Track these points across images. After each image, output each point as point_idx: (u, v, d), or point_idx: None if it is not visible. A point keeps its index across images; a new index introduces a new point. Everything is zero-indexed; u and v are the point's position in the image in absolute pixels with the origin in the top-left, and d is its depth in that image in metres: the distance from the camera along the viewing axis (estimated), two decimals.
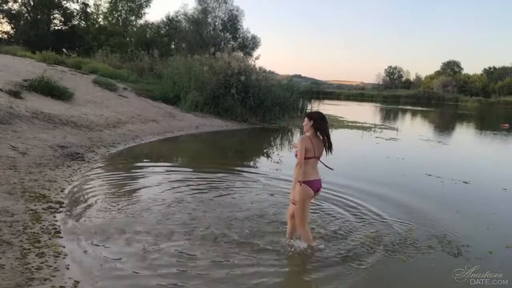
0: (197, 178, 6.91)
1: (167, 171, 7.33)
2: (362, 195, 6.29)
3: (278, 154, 10.03)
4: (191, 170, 7.70)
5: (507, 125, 23.37)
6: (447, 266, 3.84)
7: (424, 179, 7.87)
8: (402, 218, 5.32)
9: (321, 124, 3.97)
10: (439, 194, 6.82)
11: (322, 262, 3.90)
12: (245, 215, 5.03)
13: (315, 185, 3.95)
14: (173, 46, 32.43)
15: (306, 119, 4.04)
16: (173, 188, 6.10)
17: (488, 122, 30.42)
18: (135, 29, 34.43)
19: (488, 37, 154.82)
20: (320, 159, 4.03)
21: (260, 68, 18.13)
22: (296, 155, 3.93)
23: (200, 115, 15.15)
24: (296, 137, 13.81)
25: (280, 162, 8.87)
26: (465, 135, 20.25)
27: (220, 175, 7.18)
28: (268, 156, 10.07)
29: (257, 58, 20.00)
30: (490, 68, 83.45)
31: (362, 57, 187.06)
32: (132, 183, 6.33)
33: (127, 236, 4.20)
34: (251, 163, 9.12)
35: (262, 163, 9.23)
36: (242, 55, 23.38)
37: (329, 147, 3.96)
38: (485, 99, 69.16)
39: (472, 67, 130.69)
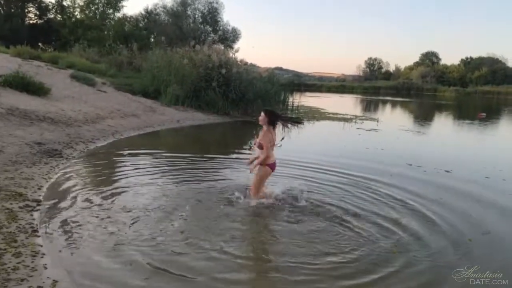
0: (179, 170, 6.83)
1: (148, 166, 7.22)
2: (340, 188, 6.33)
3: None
4: (172, 164, 7.60)
5: (484, 114, 23.92)
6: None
7: (406, 168, 7.95)
8: (384, 210, 5.36)
9: (275, 119, 5.22)
10: (421, 183, 6.84)
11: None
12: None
13: (272, 166, 5.20)
14: (152, 40, 32.02)
15: (262, 114, 5.17)
16: (155, 183, 6.01)
17: (465, 112, 31.03)
18: (113, 23, 33.80)
19: (465, 28, 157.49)
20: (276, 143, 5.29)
21: (241, 61, 18.01)
22: (259, 146, 5.10)
23: (181, 109, 15.00)
24: (278, 130, 13.79)
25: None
26: (444, 125, 20.63)
27: (202, 168, 7.12)
28: (250, 148, 10.07)
29: (236, 51, 19.92)
30: (467, 58, 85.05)
31: (343, 49, 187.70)
32: (112, 179, 6.21)
33: (106, 233, 4.12)
34: (234, 156, 9.06)
35: (245, 155, 9.18)
36: (222, 47, 23.21)
37: (296, 121, 5.58)
38: (463, 89, 70.54)
39: (450, 57, 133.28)
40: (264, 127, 5.18)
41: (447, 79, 79.42)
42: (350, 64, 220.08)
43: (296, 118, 5.36)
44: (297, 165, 7.48)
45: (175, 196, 5.41)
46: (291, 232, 4.44)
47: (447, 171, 7.86)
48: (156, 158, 7.95)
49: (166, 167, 7.20)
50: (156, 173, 6.65)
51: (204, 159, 8.04)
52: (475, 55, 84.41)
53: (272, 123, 5.17)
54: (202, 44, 17.92)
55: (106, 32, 32.03)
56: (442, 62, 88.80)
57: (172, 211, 4.84)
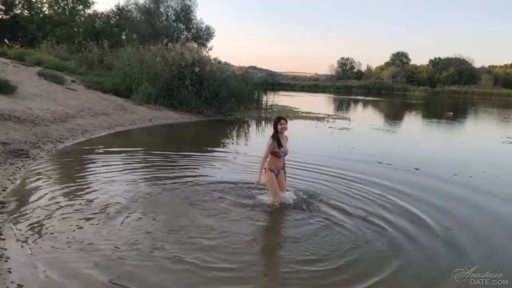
0: (151, 169, 6.75)
1: (119, 165, 7.10)
2: (311, 182, 6.41)
3: (235, 146, 10.05)
4: (145, 162, 7.50)
5: (451, 113, 24.72)
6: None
7: (376, 166, 8.12)
8: (359, 205, 5.45)
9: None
10: (394, 179, 6.97)
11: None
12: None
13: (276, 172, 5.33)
14: (124, 37, 31.35)
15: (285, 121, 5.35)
16: (124, 183, 5.91)
17: (433, 111, 31.92)
18: (83, 19, 32.89)
19: (435, 29, 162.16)
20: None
21: (215, 59, 17.95)
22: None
23: (154, 108, 14.79)
24: (252, 129, 13.86)
25: (237, 154, 8.87)
26: (413, 124, 21.17)
27: (175, 167, 7.04)
28: (224, 147, 10.05)
29: (210, 49, 19.80)
30: (435, 59, 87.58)
31: (316, 49, 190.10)
32: (79, 179, 6.06)
33: (73, 236, 4.03)
34: (208, 154, 9.00)
35: (218, 154, 9.14)
36: (196, 46, 23.03)
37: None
38: (431, 89, 72.65)
39: (419, 58, 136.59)
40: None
41: (417, 79, 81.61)
42: (323, 64, 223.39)
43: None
44: None
45: (145, 197, 5.34)
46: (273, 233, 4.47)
47: (417, 169, 8.07)
48: (128, 157, 7.81)
49: (137, 166, 7.10)
50: (127, 173, 6.54)
51: (178, 157, 7.96)
52: (443, 55, 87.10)
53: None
54: (175, 42, 17.72)
55: (75, 29, 31.13)
56: (412, 62, 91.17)
57: (142, 211, 4.78)
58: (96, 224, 4.31)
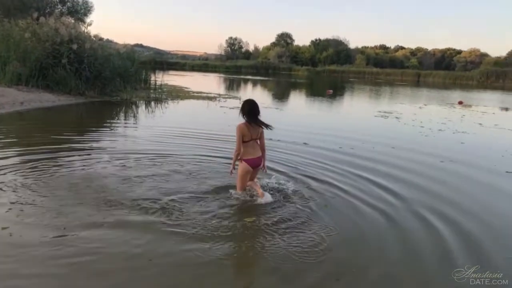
0: (24, 161, 6.01)
1: None
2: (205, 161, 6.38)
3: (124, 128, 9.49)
4: (19, 154, 6.65)
5: (331, 91, 26.78)
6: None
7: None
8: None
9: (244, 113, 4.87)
10: (283, 159, 7.25)
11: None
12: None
13: (250, 162, 4.85)
14: None
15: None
16: None
17: (316, 90, 34.14)
18: None
19: (314, 10, 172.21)
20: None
21: (96, 36, 16.58)
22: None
23: (25, 90, 13.20)
24: (141, 110, 13.24)
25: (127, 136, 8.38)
26: (299, 102, 22.35)
27: (56, 154, 6.38)
28: (112, 131, 9.42)
29: (89, 25, 18.22)
30: (316, 40, 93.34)
31: (205, 28, 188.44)
32: None
33: None
34: (92, 140, 8.34)
35: (105, 139, 8.54)
36: (73, 21, 21.01)
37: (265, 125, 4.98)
38: (313, 68, 77.61)
39: (302, 39, 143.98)
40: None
41: (300, 59, 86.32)
42: (212, 43, 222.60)
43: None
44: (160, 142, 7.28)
45: (22, 189, 4.74)
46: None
47: (305, 143, 8.52)
48: None
49: (11, 158, 6.26)
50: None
51: (57, 145, 7.22)
52: (323, 37, 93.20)
53: (245, 117, 4.90)
54: (48, 16, 15.92)
55: None
56: (296, 43, 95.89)
57: (20, 205, 4.24)
58: None
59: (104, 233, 3.74)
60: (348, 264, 3.49)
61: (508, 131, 12.39)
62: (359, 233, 4.14)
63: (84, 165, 5.88)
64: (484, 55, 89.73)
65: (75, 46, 14.19)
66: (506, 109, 21.81)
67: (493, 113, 18.13)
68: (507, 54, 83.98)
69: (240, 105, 5.02)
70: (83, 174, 5.46)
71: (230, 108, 14.42)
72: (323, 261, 3.47)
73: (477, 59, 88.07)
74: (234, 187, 5.06)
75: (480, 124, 13.70)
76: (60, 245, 3.47)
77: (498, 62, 78.13)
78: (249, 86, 34.57)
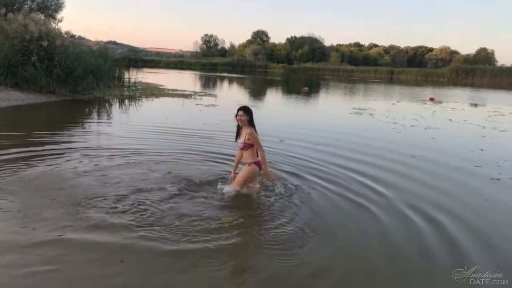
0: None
1: None
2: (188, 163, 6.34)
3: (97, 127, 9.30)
4: None
5: (306, 88, 27.01)
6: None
7: None
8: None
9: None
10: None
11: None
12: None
13: (259, 165, 5.02)
14: None
15: (242, 112, 5.03)
16: None
17: (292, 87, 34.32)
18: None
19: (289, 8, 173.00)
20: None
21: (67, 33, 16.15)
22: (244, 147, 5.02)
23: None
24: (115, 108, 13.02)
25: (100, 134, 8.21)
26: (275, 99, 22.43)
27: (26, 154, 6.19)
28: (84, 129, 9.21)
29: (60, 21, 17.72)
30: (292, 37, 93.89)
31: (179, 25, 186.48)
32: None
33: None
34: (63, 139, 8.14)
35: (77, 138, 8.34)
36: (43, 17, 20.40)
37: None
38: (289, 66, 78.05)
39: (278, 37, 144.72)
40: (247, 128, 5.05)
41: (276, 56, 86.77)
42: (187, 40, 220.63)
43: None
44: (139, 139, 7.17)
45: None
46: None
47: (281, 140, 8.56)
48: None
49: None
50: None
51: (26, 145, 7.01)
52: (298, 34, 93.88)
53: (251, 122, 5.10)
54: (17, 12, 15.42)
55: None
56: (271, 40, 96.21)
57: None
58: None
59: (75, 237, 3.61)
60: (333, 262, 3.49)
61: (476, 126, 12.78)
62: (342, 230, 4.17)
63: (55, 165, 5.72)
64: (455, 52, 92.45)
65: (45, 43, 13.80)
66: (475, 105, 22.52)
67: (463, 109, 18.70)
68: (476, 51, 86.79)
69: (238, 107, 5.22)
70: (54, 174, 5.33)
71: (206, 106, 14.35)
72: (306, 258, 3.48)
73: (448, 57, 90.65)
74: (210, 182, 5.08)
75: (450, 120, 14.11)
76: (28, 253, 3.31)
77: (468, 59, 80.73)
78: (225, 83, 34.44)
